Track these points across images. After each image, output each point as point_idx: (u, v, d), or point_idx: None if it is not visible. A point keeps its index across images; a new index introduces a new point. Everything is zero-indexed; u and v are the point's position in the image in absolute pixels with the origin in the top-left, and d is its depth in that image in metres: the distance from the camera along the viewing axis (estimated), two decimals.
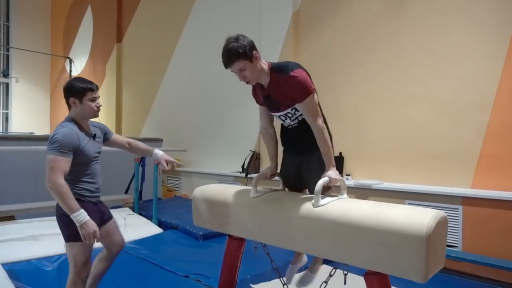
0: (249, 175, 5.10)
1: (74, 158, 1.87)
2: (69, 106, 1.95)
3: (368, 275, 1.50)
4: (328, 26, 4.51)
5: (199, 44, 6.27)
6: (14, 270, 2.80)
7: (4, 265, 2.80)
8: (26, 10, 10.66)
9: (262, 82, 1.80)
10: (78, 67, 9.29)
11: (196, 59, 6.33)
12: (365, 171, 4.08)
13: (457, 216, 3.27)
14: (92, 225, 1.83)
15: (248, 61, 1.68)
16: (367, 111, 4.08)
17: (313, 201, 1.62)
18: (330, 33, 4.48)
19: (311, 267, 2.08)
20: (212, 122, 6.04)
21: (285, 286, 2.06)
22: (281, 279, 2.04)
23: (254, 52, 1.70)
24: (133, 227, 3.99)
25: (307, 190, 2.06)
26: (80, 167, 1.93)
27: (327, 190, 1.75)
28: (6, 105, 10.81)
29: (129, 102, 7.97)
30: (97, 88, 2.00)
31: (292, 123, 1.88)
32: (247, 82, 1.77)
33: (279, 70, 1.74)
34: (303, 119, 1.83)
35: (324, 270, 2.16)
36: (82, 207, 1.85)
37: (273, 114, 1.91)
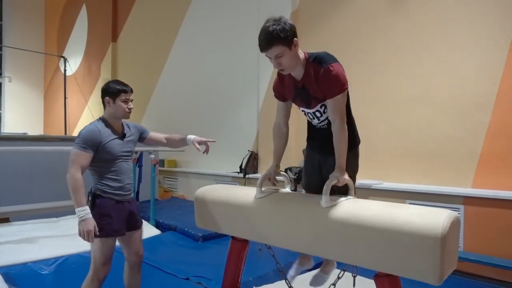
0: (247, 176, 5.06)
1: (98, 154, 1.97)
2: (104, 106, 2.10)
3: (379, 277, 1.47)
4: (327, 25, 4.49)
5: (196, 44, 6.22)
6: (10, 273, 2.73)
7: None
8: (20, 8, 10.50)
9: (295, 73, 1.67)
10: (72, 66, 9.17)
11: (193, 59, 6.28)
12: (365, 171, 4.04)
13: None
14: (90, 224, 1.88)
15: (287, 47, 1.53)
16: (367, 110, 4.06)
17: (321, 201, 1.58)
18: (329, 32, 4.46)
19: (323, 267, 2.04)
20: (209, 122, 5.99)
21: None
22: (286, 281, 2.00)
23: (295, 38, 1.56)
24: None
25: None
26: (104, 164, 2.01)
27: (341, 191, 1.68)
28: None
29: None
30: (131, 91, 2.13)
31: (321, 124, 1.78)
32: (281, 71, 1.65)
33: (317, 61, 1.61)
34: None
35: (336, 273, 2.13)
36: (102, 203, 1.97)
37: (302, 109, 1.80)
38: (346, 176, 1.64)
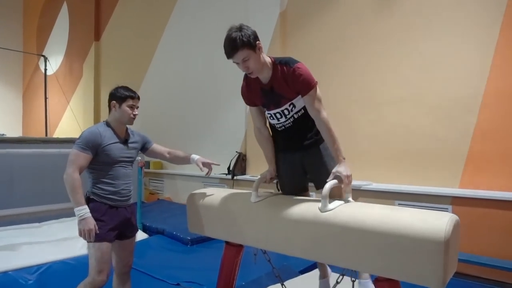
0: (235, 177, 5.01)
1: (97, 157, 1.97)
2: (110, 109, 2.10)
3: (379, 282, 1.45)
4: (315, 26, 4.48)
5: (182, 43, 6.12)
6: None
7: None
8: None
9: (262, 76, 1.75)
10: (53, 65, 8.90)
11: (179, 59, 6.18)
12: (354, 172, 4.01)
13: None
14: (90, 223, 1.87)
15: (252, 50, 1.64)
16: (355, 111, 4.08)
17: (320, 205, 1.55)
18: (318, 33, 4.46)
19: (321, 274, 2.05)
20: (196, 123, 5.91)
21: None
22: (283, 285, 1.96)
23: (257, 42, 1.66)
24: None
25: (308, 192, 2.00)
26: (102, 166, 2.00)
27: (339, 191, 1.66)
28: None
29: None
30: (139, 98, 2.15)
31: (286, 122, 1.82)
32: (249, 74, 1.73)
33: (283, 63, 1.72)
34: (298, 118, 1.80)
35: (334, 277, 2.12)
36: (95, 207, 1.95)
37: (269, 112, 1.83)
38: (348, 170, 1.63)
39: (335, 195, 1.63)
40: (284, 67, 1.70)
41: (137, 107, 2.14)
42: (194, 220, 2.06)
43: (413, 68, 3.71)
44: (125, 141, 2.10)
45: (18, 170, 4.32)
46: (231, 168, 5.10)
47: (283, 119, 1.82)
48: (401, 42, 3.79)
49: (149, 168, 6.25)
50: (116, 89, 2.13)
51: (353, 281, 1.59)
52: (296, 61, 1.72)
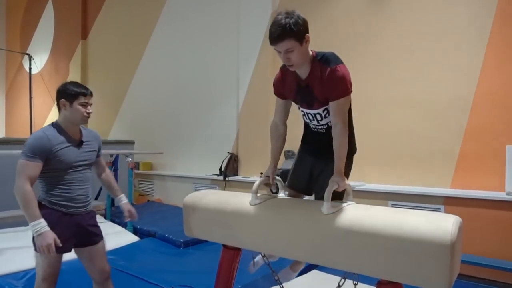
0: (227, 178, 4.96)
1: (48, 164, 1.81)
2: (59, 109, 1.92)
3: (382, 285, 1.44)
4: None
5: (173, 43, 6.04)
6: None
7: None
8: None
9: (300, 71, 1.62)
10: (38, 64, 8.67)
11: (169, 58, 6.10)
12: None
13: None
14: (49, 237, 1.73)
15: (299, 42, 1.50)
16: None
17: (322, 208, 1.53)
18: (310, 33, 4.44)
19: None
20: (187, 123, 5.83)
21: None
22: (281, 286, 1.93)
23: (307, 34, 1.53)
24: (107, 236, 3.61)
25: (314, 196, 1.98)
26: (55, 173, 1.85)
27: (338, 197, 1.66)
28: None
29: (96, 102, 7.39)
30: (91, 94, 1.97)
31: (319, 127, 1.74)
32: (289, 66, 1.58)
33: (323, 61, 1.58)
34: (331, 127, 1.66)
35: (334, 279, 2.11)
36: (46, 214, 1.78)
37: (302, 109, 1.74)
38: (346, 181, 1.61)
39: (336, 197, 1.61)
40: (324, 65, 1.56)
41: (91, 105, 1.95)
42: (190, 223, 2.01)
43: (405, 69, 3.74)
44: (79, 143, 1.93)
45: (2, 172, 4.17)
46: (222, 169, 5.05)
47: (315, 122, 1.74)
48: (393, 43, 3.82)
49: (138, 169, 6.15)
50: (65, 85, 1.91)
51: (355, 284, 1.57)
52: (338, 61, 1.57)
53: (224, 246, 1.98)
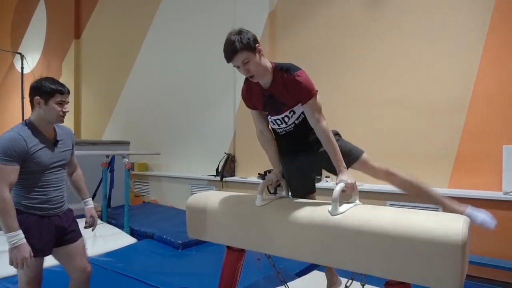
0: (224, 179, 4.94)
1: (23, 165, 1.72)
2: (33, 107, 1.80)
3: (390, 285, 1.44)
4: (305, 27, 4.48)
5: (168, 42, 5.99)
6: None
7: None
8: None
9: (263, 82, 1.72)
10: (30, 64, 8.54)
11: (165, 58, 6.05)
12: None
13: None
14: (25, 251, 1.66)
15: (251, 53, 1.60)
16: (345, 113, 4.10)
17: (330, 208, 1.52)
18: (307, 34, 4.46)
19: (329, 283, 2.03)
20: (183, 123, 5.79)
21: None
22: (285, 285, 1.92)
23: (257, 45, 1.63)
24: (104, 237, 3.67)
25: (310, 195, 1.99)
26: (30, 176, 1.76)
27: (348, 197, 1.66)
28: None
29: (89, 102, 7.47)
30: (68, 92, 1.87)
31: (287, 128, 1.83)
32: (251, 77, 1.67)
33: (284, 69, 1.69)
34: (299, 123, 1.80)
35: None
36: (22, 219, 1.70)
37: (270, 118, 1.83)
38: (351, 177, 1.64)
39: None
40: (285, 74, 1.67)
41: (67, 103, 1.84)
42: (194, 225, 1.99)
43: (402, 69, 3.76)
44: (54, 142, 1.84)
45: None
46: (219, 170, 5.03)
47: (283, 125, 1.82)
48: (390, 44, 3.83)
49: (133, 170, 6.08)
50: (40, 81, 1.79)
51: (363, 285, 1.57)
52: (297, 68, 1.69)
53: (228, 247, 1.96)
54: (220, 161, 5.06)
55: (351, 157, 1.80)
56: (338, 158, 1.68)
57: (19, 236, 1.66)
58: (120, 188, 4.41)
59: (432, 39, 3.58)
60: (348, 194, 1.68)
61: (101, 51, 7.21)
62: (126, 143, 5.84)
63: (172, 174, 5.72)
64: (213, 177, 5.08)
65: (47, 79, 1.82)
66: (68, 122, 7.25)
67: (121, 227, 4.09)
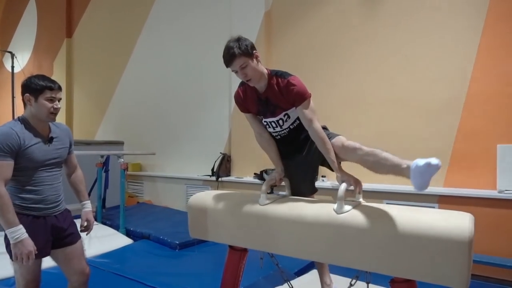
0: (220, 179, 4.92)
1: (16, 162, 1.69)
2: (24, 105, 1.79)
3: (396, 283, 1.45)
4: (301, 27, 4.49)
5: (163, 42, 5.95)
6: None
7: None
8: None
9: (258, 86, 1.81)
10: (20, 62, 8.40)
11: (159, 57, 6.00)
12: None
13: None
14: (29, 245, 1.64)
15: (249, 58, 1.71)
16: (341, 113, 4.11)
17: (335, 207, 1.53)
18: (303, 34, 4.47)
19: (323, 283, 2.04)
20: (178, 123, 5.75)
21: None
22: (288, 283, 1.92)
23: (254, 51, 1.75)
24: (100, 238, 3.62)
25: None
26: (23, 173, 1.73)
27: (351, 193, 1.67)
28: None
29: (82, 102, 7.37)
30: (59, 88, 1.83)
31: (282, 132, 1.90)
32: (248, 81, 1.77)
33: (280, 74, 1.80)
34: (293, 128, 1.87)
35: (334, 279, 2.12)
36: (18, 220, 1.66)
37: (265, 120, 1.89)
38: (349, 176, 1.68)
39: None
40: (279, 79, 1.78)
41: (59, 100, 1.81)
42: (195, 224, 1.97)
43: (398, 70, 3.80)
44: (49, 139, 1.81)
45: None
46: (215, 170, 5.01)
47: (278, 129, 1.88)
48: (386, 44, 3.87)
49: (127, 170, 6.02)
50: (30, 78, 1.78)
51: (368, 283, 1.58)
52: (291, 74, 1.80)
53: (231, 247, 1.96)
54: (215, 161, 5.04)
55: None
56: (331, 158, 1.73)
57: (21, 230, 1.64)
58: (115, 189, 4.36)
59: (427, 40, 3.63)
60: (351, 193, 1.68)
61: (93, 50, 7.12)
62: (120, 143, 5.78)
63: (167, 174, 5.68)
64: (208, 177, 5.06)
65: (37, 76, 1.80)
66: (60, 121, 7.14)
67: (116, 228, 4.04)
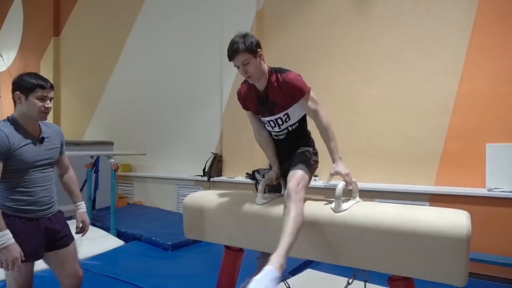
0: (211, 179, 4.89)
1: (6, 163, 1.64)
2: (15, 103, 1.74)
3: (394, 281, 1.45)
4: (292, 26, 4.50)
5: (153, 41, 5.89)
6: None
7: None
8: None
9: (259, 84, 1.81)
10: (6, 61, 8.22)
11: (150, 57, 5.94)
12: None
13: None
14: (15, 251, 1.59)
15: (252, 55, 1.70)
16: (333, 111, 4.12)
17: (333, 205, 1.53)
18: (295, 33, 4.48)
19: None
20: (168, 123, 5.70)
21: None
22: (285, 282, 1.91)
23: (259, 49, 1.73)
24: (90, 240, 3.52)
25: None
26: (14, 174, 1.68)
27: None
28: None
29: (70, 101, 7.24)
30: (51, 87, 1.77)
31: (280, 133, 1.88)
32: (248, 78, 1.78)
33: (279, 71, 1.79)
34: (292, 131, 1.85)
35: (328, 278, 2.12)
36: (9, 223, 1.62)
37: (264, 118, 1.88)
38: (346, 167, 1.69)
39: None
40: (278, 74, 1.77)
41: (51, 99, 1.75)
42: (191, 225, 1.96)
43: (390, 70, 3.84)
44: (40, 140, 1.76)
45: None
46: (206, 170, 4.98)
47: (276, 129, 1.86)
48: (378, 44, 3.90)
49: (118, 171, 5.93)
50: (21, 76, 1.73)
51: (365, 282, 1.58)
52: (289, 70, 1.80)
53: (227, 247, 1.94)
54: (207, 161, 5.01)
55: None
56: (334, 146, 1.74)
57: (7, 236, 1.58)
58: (106, 190, 4.29)
59: (418, 40, 3.67)
60: (347, 191, 1.68)
61: (82, 49, 7.00)
62: (110, 144, 5.69)
63: (157, 175, 5.62)
64: (200, 177, 5.03)
65: (29, 74, 1.75)
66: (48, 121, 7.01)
67: (107, 229, 3.98)
